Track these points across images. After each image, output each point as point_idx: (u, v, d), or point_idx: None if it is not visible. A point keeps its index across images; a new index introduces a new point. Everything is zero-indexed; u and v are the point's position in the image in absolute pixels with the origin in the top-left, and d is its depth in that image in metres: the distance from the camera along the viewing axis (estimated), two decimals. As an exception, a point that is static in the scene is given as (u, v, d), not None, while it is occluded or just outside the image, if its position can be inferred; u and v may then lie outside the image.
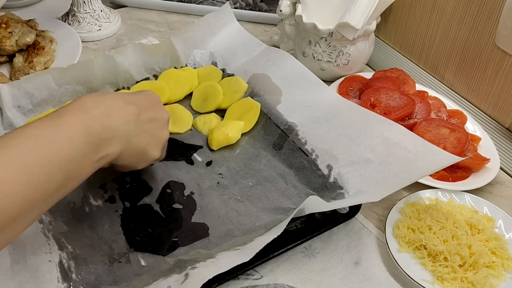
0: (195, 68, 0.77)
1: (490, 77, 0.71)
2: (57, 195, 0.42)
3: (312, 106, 0.66)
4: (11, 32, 0.79)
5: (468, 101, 0.76)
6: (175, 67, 0.76)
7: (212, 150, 0.65)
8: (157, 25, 0.95)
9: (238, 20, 0.80)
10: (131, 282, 0.49)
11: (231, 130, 0.65)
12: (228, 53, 0.77)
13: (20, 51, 0.81)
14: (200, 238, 0.54)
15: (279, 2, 0.79)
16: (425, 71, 0.82)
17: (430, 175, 0.62)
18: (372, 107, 0.69)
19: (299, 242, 0.54)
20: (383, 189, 0.53)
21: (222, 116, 0.69)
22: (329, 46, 0.75)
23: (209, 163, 0.63)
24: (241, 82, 0.72)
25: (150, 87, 0.72)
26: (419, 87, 0.75)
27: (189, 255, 0.52)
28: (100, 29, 0.89)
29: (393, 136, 0.58)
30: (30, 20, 0.84)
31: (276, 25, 0.88)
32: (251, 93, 0.71)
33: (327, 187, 0.58)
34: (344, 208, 0.57)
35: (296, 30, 0.80)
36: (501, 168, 0.65)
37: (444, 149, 0.58)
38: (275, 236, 0.47)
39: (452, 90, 0.78)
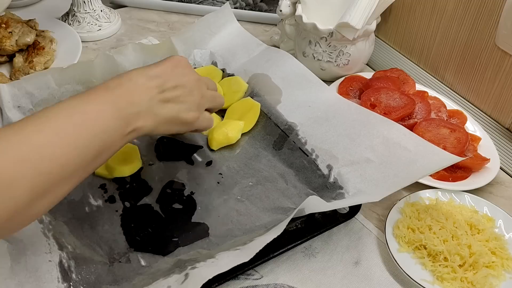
0: (195, 68, 0.77)
1: (490, 77, 0.71)
2: (93, 164, 0.45)
3: (312, 106, 0.66)
4: (11, 32, 0.79)
5: (468, 101, 0.76)
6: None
7: (212, 150, 0.65)
8: (157, 25, 0.95)
9: (238, 20, 0.80)
10: (131, 282, 0.49)
11: (231, 130, 0.65)
12: (228, 53, 0.77)
13: (20, 51, 0.81)
14: (200, 238, 0.54)
15: (279, 2, 0.79)
16: (425, 71, 0.82)
17: (430, 175, 0.62)
18: (372, 107, 0.69)
19: (299, 242, 0.54)
20: (383, 189, 0.53)
21: (222, 116, 0.69)
22: (329, 46, 0.75)
23: (209, 163, 0.63)
24: (241, 82, 0.72)
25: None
26: (419, 87, 0.75)
27: (189, 255, 0.52)
28: (100, 29, 0.89)
29: (393, 136, 0.58)
30: (30, 20, 0.84)
31: (276, 25, 0.88)
32: (251, 93, 0.71)
33: (327, 187, 0.58)
34: (344, 208, 0.57)
35: (296, 30, 0.80)
36: (501, 168, 0.65)
37: (444, 149, 0.58)
38: (275, 236, 0.47)
39: (452, 90, 0.78)
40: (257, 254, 0.46)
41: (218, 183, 0.61)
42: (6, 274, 0.47)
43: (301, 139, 0.63)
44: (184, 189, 0.60)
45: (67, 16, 0.90)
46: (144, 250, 0.53)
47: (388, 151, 0.57)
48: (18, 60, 0.79)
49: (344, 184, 0.57)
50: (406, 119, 0.69)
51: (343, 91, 0.75)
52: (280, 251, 0.52)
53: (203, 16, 0.79)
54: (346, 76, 0.77)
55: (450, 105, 0.73)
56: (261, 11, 0.95)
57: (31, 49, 0.80)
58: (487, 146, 0.67)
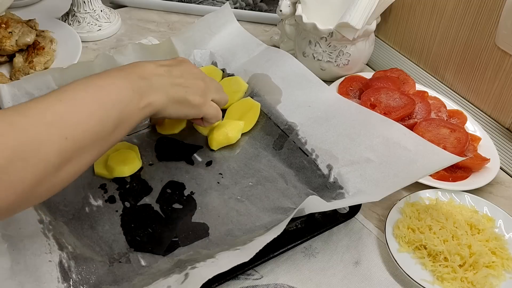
0: (195, 68, 0.77)
1: (490, 77, 0.71)
2: (114, 135, 0.48)
3: (312, 106, 0.66)
4: (11, 32, 0.79)
5: (468, 101, 0.76)
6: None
7: (212, 150, 0.65)
8: (157, 25, 0.95)
9: (238, 20, 0.80)
10: (131, 282, 0.49)
11: (231, 130, 0.65)
12: (228, 53, 0.77)
13: (20, 51, 0.81)
14: (200, 238, 0.54)
15: (279, 2, 0.79)
16: (425, 71, 0.82)
17: (430, 175, 0.62)
18: (372, 107, 0.69)
19: (299, 242, 0.54)
20: (383, 189, 0.53)
21: (222, 116, 0.69)
22: (329, 46, 0.75)
23: (209, 163, 0.63)
24: (241, 82, 0.72)
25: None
26: (419, 87, 0.75)
27: (189, 255, 0.52)
28: (100, 29, 0.89)
29: (393, 136, 0.58)
30: (30, 20, 0.84)
31: (276, 25, 0.88)
32: (251, 93, 0.71)
33: (327, 187, 0.58)
34: (344, 208, 0.57)
35: (296, 30, 0.80)
36: (501, 168, 0.65)
37: (444, 149, 0.58)
38: (275, 236, 0.47)
39: (452, 90, 0.78)
40: (257, 254, 0.46)
41: (218, 183, 0.61)
42: (6, 274, 0.47)
43: (301, 139, 0.63)
44: (184, 189, 0.60)
45: (67, 16, 0.90)
46: (144, 250, 0.53)
47: (388, 151, 0.57)
48: (18, 60, 0.79)
49: (344, 184, 0.57)
50: (406, 119, 0.69)
51: (343, 91, 0.75)
52: (280, 251, 0.52)
53: (203, 16, 0.79)
54: (346, 76, 0.77)
55: (450, 105, 0.73)
56: (261, 11, 0.95)
57: (31, 49, 0.80)
58: (487, 146, 0.67)
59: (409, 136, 0.58)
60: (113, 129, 0.47)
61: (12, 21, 0.80)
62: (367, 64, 0.84)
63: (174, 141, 0.66)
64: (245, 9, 0.95)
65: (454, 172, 0.63)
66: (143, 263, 0.51)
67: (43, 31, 0.83)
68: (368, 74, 0.78)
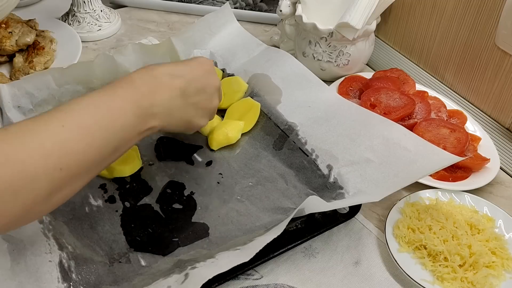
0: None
1: (490, 77, 0.71)
2: (110, 159, 0.47)
3: (312, 106, 0.66)
4: (11, 32, 0.79)
5: (468, 101, 0.76)
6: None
7: (212, 150, 0.65)
8: (157, 25, 0.95)
9: (238, 20, 0.80)
10: (131, 282, 0.49)
11: (231, 130, 0.65)
12: (228, 53, 0.77)
13: (20, 51, 0.81)
14: (200, 238, 0.54)
15: (279, 2, 0.79)
16: (425, 71, 0.82)
17: (430, 175, 0.62)
18: (372, 107, 0.69)
19: (299, 242, 0.54)
20: (383, 189, 0.53)
21: (222, 116, 0.69)
22: (329, 46, 0.75)
23: (209, 163, 0.63)
24: (241, 82, 0.72)
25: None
26: (419, 87, 0.75)
27: (189, 255, 0.52)
28: (100, 29, 0.89)
29: (393, 136, 0.58)
30: (30, 20, 0.84)
31: (276, 25, 0.88)
32: (251, 93, 0.71)
33: (327, 187, 0.58)
34: (344, 208, 0.57)
35: (296, 30, 0.80)
36: (501, 168, 0.65)
37: (444, 149, 0.58)
38: (275, 236, 0.47)
39: (452, 90, 0.78)
40: (257, 254, 0.46)
41: (218, 183, 0.61)
42: (6, 275, 0.47)
43: (301, 139, 0.63)
44: (184, 189, 0.60)
45: (67, 16, 0.90)
46: (144, 250, 0.53)
47: (388, 151, 0.57)
48: (18, 60, 0.79)
49: (344, 184, 0.57)
50: (406, 119, 0.69)
51: (343, 91, 0.75)
52: (280, 251, 0.52)
53: (203, 16, 0.79)
54: (346, 76, 0.77)
55: (450, 105, 0.73)
56: (261, 11, 0.95)
57: (31, 49, 0.80)
58: (487, 146, 0.67)
59: (409, 137, 0.58)
60: (111, 154, 0.46)
61: (12, 21, 0.80)
62: (367, 64, 0.84)
63: (174, 141, 0.66)
64: (245, 9, 0.95)
65: (454, 172, 0.63)
66: (143, 263, 0.51)
67: (43, 31, 0.83)
68: (368, 74, 0.78)
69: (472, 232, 0.55)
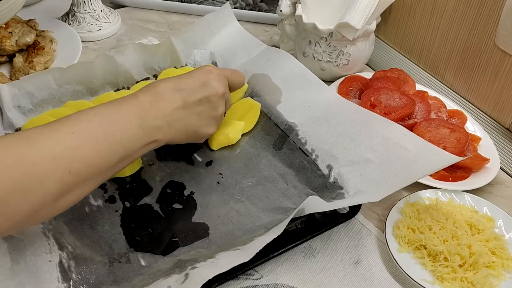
0: (195, 68, 0.77)
1: (490, 77, 0.71)
2: (115, 168, 0.49)
3: (312, 106, 0.66)
4: (11, 32, 0.79)
5: (468, 101, 0.76)
6: (175, 67, 0.76)
7: (212, 150, 0.65)
8: (157, 25, 0.95)
9: (238, 20, 0.80)
10: (131, 282, 0.49)
11: (231, 130, 0.65)
12: (228, 53, 0.77)
13: (20, 51, 0.81)
14: (200, 238, 0.54)
15: (279, 2, 0.79)
16: (425, 71, 0.82)
17: (430, 175, 0.62)
18: (372, 107, 0.69)
19: (299, 242, 0.54)
20: (383, 189, 0.53)
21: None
22: (329, 46, 0.75)
23: (209, 163, 0.63)
24: (241, 82, 0.72)
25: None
26: (419, 87, 0.75)
27: (189, 255, 0.52)
28: (100, 29, 0.89)
29: (393, 136, 0.58)
30: (30, 20, 0.84)
31: (276, 25, 0.88)
32: (251, 93, 0.71)
33: (327, 187, 0.58)
34: (344, 208, 0.57)
35: (296, 30, 0.80)
36: (501, 168, 0.65)
37: (444, 149, 0.58)
38: (275, 236, 0.47)
39: (452, 90, 0.78)
40: (257, 254, 0.46)
41: (218, 183, 0.61)
42: (6, 275, 0.47)
43: (301, 139, 0.63)
44: (184, 189, 0.60)
45: (67, 16, 0.90)
46: (144, 250, 0.53)
47: (388, 151, 0.57)
48: (18, 60, 0.79)
49: (344, 184, 0.57)
50: (406, 119, 0.69)
51: (343, 91, 0.75)
52: (280, 251, 0.52)
53: (203, 16, 0.79)
54: (346, 76, 0.77)
55: (450, 105, 0.73)
56: (261, 11, 0.95)
57: (31, 49, 0.80)
58: (487, 146, 0.67)
59: (409, 137, 0.58)
60: (116, 163, 0.48)
61: (12, 21, 0.80)
62: (367, 64, 0.84)
63: (174, 141, 0.66)
64: (245, 9, 0.95)
65: (454, 172, 0.63)
66: (143, 263, 0.51)
67: (43, 31, 0.83)
68: (368, 74, 0.78)
69: (472, 232, 0.55)
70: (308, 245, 0.56)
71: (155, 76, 0.75)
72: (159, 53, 0.76)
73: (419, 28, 0.80)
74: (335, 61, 0.76)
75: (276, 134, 0.65)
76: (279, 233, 0.47)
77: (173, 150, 0.65)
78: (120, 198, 0.58)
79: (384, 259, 0.55)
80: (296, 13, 0.76)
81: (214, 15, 0.79)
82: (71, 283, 0.49)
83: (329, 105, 0.65)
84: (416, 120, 0.68)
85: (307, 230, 0.54)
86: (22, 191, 0.40)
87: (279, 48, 0.80)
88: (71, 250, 0.51)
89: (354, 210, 0.57)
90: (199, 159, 0.64)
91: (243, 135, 0.67)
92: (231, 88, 0.61)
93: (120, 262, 0.51)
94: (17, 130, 0.65)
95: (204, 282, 0.44)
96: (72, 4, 0.89)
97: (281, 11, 0.79)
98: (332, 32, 0.72)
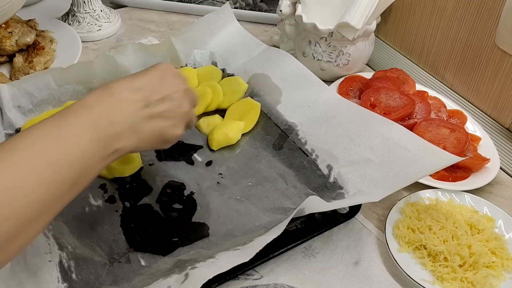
0: (195, 68, 0.77)
1: (490, 77, 0.71)
2: (70, 194, 0.42)
3: (312, 106, 0.66)
4: (11, 32, 0.79)
5: (468, 101, 0.76)
6: (175, 67, 0.76)
7: (212, 150, 0.65)
8: (157, 25, 0.95)
9: (238, 20, 0.80)
10: (131, 282, 0.49)
11: (231, 130, 0.65)
12: (228, 53, 0.77)
13: (20, 51, 0.81)
14: (200, 238, 0.54)
15: (279, 2, 0.79)
16: (425, 71, 0.82)
17: (430, 175, 0.62)
18: (372, 107, 0.69)
19: (299, 242, 0.54)
20: (383, 189, 0.53)
21: (223, 116, 0.69)
22: (329, 46, 0.75)
23: (209, 163, 0.63)
24: (241, 82, 0.72)
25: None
26: (419, 87, 0.75)
27: (189, 255, 0.52)
28: (100, 29, 0.89)
29: (393, 136, 0.58)
30: (30, 20, 0.84)
31: (276, 25, 0.88)
32: (251, 93, 0.71)
33: (327, 187, 0.58)
34: (344, 208, 0.57)
35: (296, 30, 0.80)
36: (501, 168, 0.65)
37: (444, 149, 0.58)
38: (275, 236, 0.47)
39: (452, 90, 0.78)
40: (257, 254, 0.46)
41: (218, 183, 0.61)
42: (6, 275, 0.47)
43: (301, 139, 0.63)
44: (184, 189, 0.60)
45: (67, 16, 0.90)
46: (144, 250, 0.53)
47: (388, 151, 0.57)
48: (18, 60, 0.79)
49: (344, 184, 0.57)
50: (406, 119, 0.69)
51: (343, 91, 0.75)
52: (280, 251, 0.52)
53: (203, 16, 0.79)
54: (346, 76, 0.77)
55: (450, 105, 0.73)
56: (261, 11, 0.95)
57: (31, 49, 0.80)
58: (487, 146, 0.67)
59: (409, 137, 0.58)
60: (70, 188, 0.41)
61: (12, 21, 0.80)
62: (367, 64, 0.84)
63: (174, 141, 0.66)
64: (245, 9, 0.95)
65: (454, 172, 0.63)
66: (143, 263, 0.51)
67: (43, 31, 0.83)
68: (368, 74, 0.78)
69: (472, 232, 0.55)
70: (308, 245, 0.55)
71: (155, 76, 0.75)
72: (159, 53, 0.76)
73: (419, 28, 0.80)
74: (335, 61, 0.76)
75: (276, 134, 0.65)
76: (279, 233, 0.47)
77: (173, 150, 0.65)
78: (120, 198, 0.58)
79: (384, 259, 0.55)
80: (296, 13, 0.76)
81: (214, 15, 0.79)
82: (71, 283, 0.49)
83: (329, 105, 0.65)
84: (416, 120, 0.68)
85: (307, 230, 0.54)
86: None
87: (279, 48, 0.80)
88: (71, 250, 0.51)
89: (354, 210, 0.57)
90: (199, 159, 0.64)
91: (243, 135, 0.67)
92: None
93: (120, 262, 0.51)
94: (17, 130, 0.65)
95: (204, 282, 0.44)
96: (72, 4, 0.89)
97: (281, 11, 0.79)
98: (332, 32, 0.72)
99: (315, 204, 0.51)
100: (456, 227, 0.55)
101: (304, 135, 0.64)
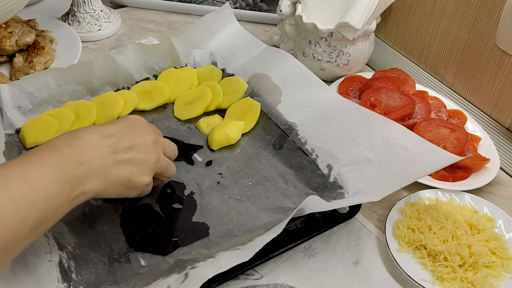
0: (195, 68, 0.77)
1: (490, 77, 0.71)
2: (33, 236, 0.41)
3: (312, 106, 0.66)
4: (11, 32, 0.79)
5: (468, 101, 0.76)
6: (175, 67, 0.76)
7: (212, 150, 0.65)
8: (157, 25, 0.95)
9: (238, 20, 0.80)
10: (131, 282, 0.49)
11: (231, 130, 0.65)
12: (228, 53, 0.77)
13: (20, 51, 0.81)
14: (200, 238, 0.54)
15: (279, 2, 0.79)
16: (425, 71, 0.82)
17: (430, 175, 0.62)
18: (372, 107, 0.69)
19: (299, 242, 0.54)
20: (383, 189, 0.53)
21: (223, 116, 0.69)
22: (329, 46, 0.75)
23: (209, 163, 0.63)
24: (241, 82, 0.72)
25: (150, 87, 0.72)
26: (419, 87, 0.75)
27: (189, 255, 0.52)
28: (100, 29, 0.89)
29: (393, 136, 0.58)
30: (30, 20, 0.84)
31: (276, 25, 0.88)
32: (251, 93, 0.71)
33: (327, 187, 0.58)
34: (344, 208, 0.57)
35: (296, 30, 0.80)
36: (501, 168, 0.65)
37: (444, 149, 0.58)
38: (275, 236, 0.47)
39: (452, 90, 0.78)
40: (257, 254, 0.46)
41: (218, 183, 0.61)
42: (6, 275, 0.47)
43: (301, 139, 0.63)
44: (184, 189, 0.60)
45: (67, 16, 0.90)
46: (144, 250, 0.53)
47: (388, 151, 0.57)
48: (18, 60, 0.79)
49: (344, 184, 0.57)
50: (406, 119, 0.69)
51: (343, 91, 0.75)
52: (280, 251, 0.52)
53: (203, 16, 0.79)
54: (346, 76, 0.77)
55: (450, 105, 0.73)
56: (261, 11, 0.95)
57: (31, 49, 0.80)
58: (487, 146, 0.67)
59: (409, 136, 0.58)
60: (33, 230, 0.40)
61: (12, 21, 0.80)
62: (367, 64, 0.84)
63: (174, 141, 0.66)
64: (245, 9, 0.95)
65: (454, 172, 0.63)
66: (143, 263, 0.51)
67: (43, 31, 0.83)
68: (368, 74, 0.78)
69: (472, 232, 0.55)
70: (308, 245, 0.55)
71: (155, 76, 0.75)
72: (159, 53, 0.76)
73: (419, 28, 0.80)
74: (335, 61, 0.76)
75: (276, 134, 0.65)
76: (279, 233, 0.47)
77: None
78: (120, 198, 0.58)
79: (384, 259, 0.55)
80: (296, 13, 0.76)
81: (214, 15, 0.79)
82: (71, 283, 0.49)
83: (329, 105, 0.65)
84: (416, 120, 0.68)
85: (307, 230, 0.54)
86: None
87: (279, 48, 0.80)
88: (71, 250, 0.51)
89: (354, 210, 0.57)
90: (199, 159, 0.64)
91: (243, 135, 0.67)
92: (159, 170, 0.52)
93: (120, 262, 0.51)
94: (17, 130, 0.65)
95: (204, 281, 0.44)
96: (72, 4, 0.89)
97: (281, 11, 0.79)
98: (332, 32, 0.72)
99: (315, 204, 0.51)
100: (456, 227, 0.55)
101: (304, 135, 0.64)
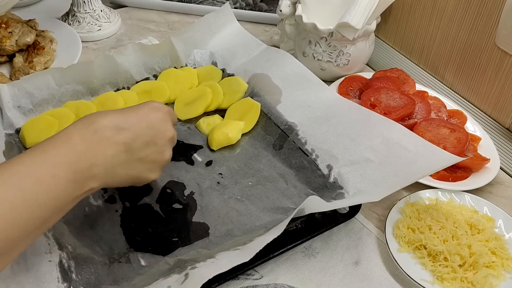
0: (195, 68, 0.77)
1: (490, 77, 0.71)
2: (40, 231, 0.42)
3: (312, 106, 0.66)
4: (11, 32, 0.79)
5: (468, 101, 0.76)
6: (175, 67, 0.76)
7: (212, 150, 0.65)
8: (157, 25, 0.95)
9: (238, 20, 0.80)
10: (131, 282, 0.49)
11: (231, 130, 0.65)
12: (228, 53, 0.77)
13: (20, 51, 0.81)
14: (200, 238, 0.54)
15: (279, 2, 0.79)
16: (425, 71, 0.82)
17: (430, 175, 0.62)
18: (372, 107, 0.69)
19: (299, 242, 0.54)
20: (383, 189, 0.53)
21: (223, 116, 0.69)
22: (329, 46, 0.75)
23: (209, 163, 0.63)
24: (241, 82, 0.72)
25: (150, 87, 0.72)
26: (419, 87, 0.75)
27: (189, 255, 0.52)
28: (100, 29, 0.89)
29: (393, 136, 0.58)
30: (30, 20, 0.84)
31: (276, 25, 0.88)
32: (251, 93, 0.71)
33: (327, 187, 0.58)
34: (344, 208, 0.57)
35: (296, 30, 0.80)
36: (501, 168, 0.65)
37: (444, 149, 0.58)
38: (275, 236, 0.47)
39: (452, 90, 0.78)
40: (257, 254, 0.46)
41: (218, 183, 0.61)
42: (6, 274, 0.47)
43: (301, 139, 0.63)
44: (184, 189, 0.60)
45: (67, 16, 0.90)
46: (144, 250, 0.53)
47: (388, 151, 0.57)
48: (18, 60, 0.79)
49: (344, 184, 0.57)
50: (406, 119, 0.69)
51: (343, 91, 0.75)
52: (280, 251, 0.52)
53: (203, 16, 0.79)
54: (346, 76, 0.77)
55: (450, 105, 0.73)
56: (261, 11, 0.95)
57: (31, 49, 0.80)
58: (487, 146, 0.67)
59: (409, 136, 0.58)
60: (41, 225, 0.41)
61: (12, 21, 0.80)
62: (367, 64, 0.84)
63: (174, 141, 0.66)
64: (245, 9, 0.95)
65: (454, 172, 0.63)
66: (143, 263, 0.51)
67: (43, 31, 0.83)
68: (368, 74, 0.78)
69: (472, 232, 0.55)
70: (308, 245, 0.55)
71: (155, 76, 0.75)
72: (159, 53, 0.76)
73: (419, 28, 0.80)
74: (335, 61, 0.76)
75: (276, 134, 0.65)
76: (279, 233, 0.47)
77: (173, 150, 0.65)
78: (120, 198, 0.58)
79: (384, 259, 0.55)
80: (296, 13, 0.76)
81: (214, 15, 0.79)
82: (71, 283, 0.49)
83: (329, 105, 0.65)
84: (416, 120, 0.68)
85: (307, 230, 0.54)
86: None
87: (279, 48, 0.80)
88: (71, 250, 0.51)
89: (354, 210, 0.57)
90: (199, 159, 0.64)
91: (243, 135, 0.67)
92: None
93: (120, 262, 0.51)
94: (17, 130, 0.65)
95: (204, 282, 0.44)
96: (72, 4, 0.89)
97: (281, 11, 0.79)
98: (332, 32, 0.72)
99: (315, 204, 0.51)
100: (456, 227, 0.55)
101: (304, 135, 0.64)
